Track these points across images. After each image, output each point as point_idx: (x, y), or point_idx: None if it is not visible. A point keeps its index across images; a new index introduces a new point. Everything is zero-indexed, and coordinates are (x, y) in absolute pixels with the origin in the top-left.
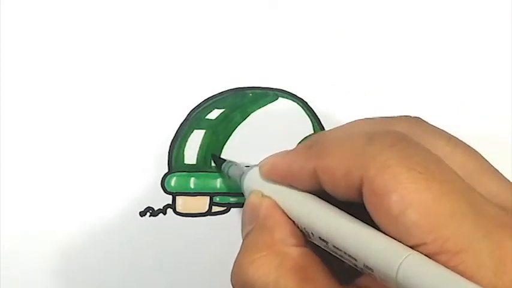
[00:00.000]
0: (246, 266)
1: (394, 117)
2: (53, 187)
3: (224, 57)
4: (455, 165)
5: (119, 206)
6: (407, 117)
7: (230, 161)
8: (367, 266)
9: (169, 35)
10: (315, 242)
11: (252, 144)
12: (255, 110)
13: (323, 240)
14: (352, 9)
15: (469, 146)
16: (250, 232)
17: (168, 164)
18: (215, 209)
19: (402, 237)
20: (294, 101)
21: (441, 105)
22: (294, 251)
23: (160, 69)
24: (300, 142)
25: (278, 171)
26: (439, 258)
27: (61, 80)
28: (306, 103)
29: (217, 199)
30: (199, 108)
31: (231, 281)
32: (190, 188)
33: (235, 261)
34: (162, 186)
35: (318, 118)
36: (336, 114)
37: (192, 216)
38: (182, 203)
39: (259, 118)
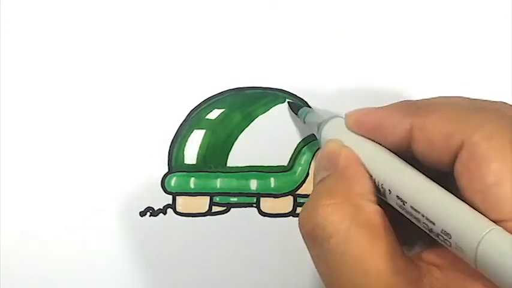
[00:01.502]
0: (320, 208)
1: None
2: (53, 187)
3: (224, 57)
4: None
5: (119, 206)
6: (503, 103)
7: (308, 107)
8: (445, 232)
9: (169, 35)
10: (390, 202)
11: (251, 144)
12: (255, 110)
13: (400, 199)
14: (352, 9)
15: None
16: (326, 178)
17: (168, 164)
18: (215, 209)
19: (488, 209)
20: (293, 101)
21: None
22: (369, 207)
23: (160, 69)
24: (300, 142)
25: (367, 122)
26: None
27: (61, 81)
28: (306, 103)
29: (217, 199)
30: (199, 108)
31: (299, 224)
32: (190, 188)
33: (305, 205)
34: (162, 186)
35: None
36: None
37: (192, 216)
38: (182, 203)
39: (259, 118)
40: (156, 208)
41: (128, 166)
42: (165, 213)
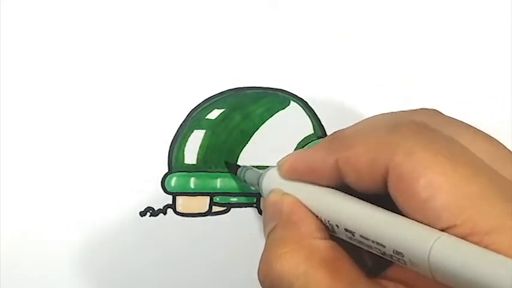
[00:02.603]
0: (273, 260)
1: (412, 110)
2: (53, 187)
3: (224, 57)
4: (477, 151)
5: (119, 206)
6: (425, 109)
7: (245, 166)
8: (396, 252)
9: (169, 35)
10: (340, 236)
11: (250, 144)
12: (255, 110)
13: (349, 231)
14: (352, 9)
15: (488, 135)
16: (274, 228)
17: (168, 164)
18: (215, 209)
19: (431, 222)
20: (294, 101)
21: (442, 104)
22: (321, 244)
23: (160, 69)
24: (300, 142)
25: (298, 168)
26: (470, 240)
27: (61, 81)
28: (306, 103)
29: (217, 199)
30: (199, 108)
31: (259, 278)
32: (190, 188)
33: (261, 258)
34: (162, 186)
35: (318, 118)
36: (335, 114)
37: (192, 216)
38: (182, 203)
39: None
40: (156, 208)
41: (128, 166)
42: (165, 213)
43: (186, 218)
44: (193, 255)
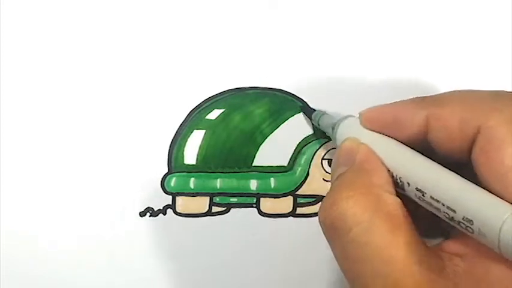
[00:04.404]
0: (339, 201)
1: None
2: (53, 187)
3: (224, 57)
4: None
5: (119, 206)
6: None
7: (321, 110)
8: (466, 219)
9: (169, 35)
10: (409, 194)
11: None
12: (256, 110)
13: (420, 191)
14: (352, 9)
15: None
16: (345, 172)
17: (168, 164)
18: (215, 209)
19: (508, 193)
20: (293, 101)
21: None
22: (389, 198)
23: (160, 69)
24: (300, 142)
25: (383, 118)
26: None
27: (61, 81)
28: (306, 103)
29: (217, 199)
30: (199, 108)
31: (319, 218)
32: (190, 188)
33: (325, 199)
34: (162, 187)
35: None
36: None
37: (192, 217)
38: (182, 203)
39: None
40: (156, 208)
41: (128, 166)
42: (165, 214)
43: (186, 218)
44: (193, 255)
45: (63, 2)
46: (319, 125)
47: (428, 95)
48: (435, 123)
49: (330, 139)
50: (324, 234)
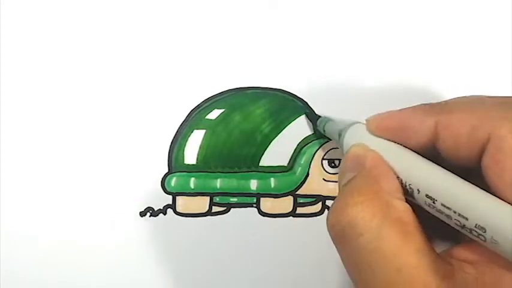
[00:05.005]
0: (349, 207)
1: None
2: (53, 187)
3: (224, 57)
4: None
5: (119, 206)
6: None
7: (326, 117)
8: (479, 226)
9: (170, 35)
10: (418, 201)
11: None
12: (255, 110)
13: (430, 198)
14: (352, 9)
15: None
16: (353, 178)
17: (168, 164)
18: (215, 209)
19: None
20: (294, 101)
21: None
22: (399, 204)
23: (160, 69)
24: (300, 142)
25: (390, 125)
26: None
27: (61, 81)
28: (306, 103)
29: (217, 199)
30: (199, 108)
31: (327, 225)
32: (190, 188)
33: (333, 206)
34: (162, 186)
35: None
36: (336, 114)
37: (192, 216)
38: (182, 203)
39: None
40: (156, 208)
41: (128, 166)
42: (165, 214)
43: (186, 218)
44: (193, 255)
45: (63, 2)
46: (324, 131)
47: (433, 98)
48: (444, 131)
49: (329, 139)
50: (332, 240)
